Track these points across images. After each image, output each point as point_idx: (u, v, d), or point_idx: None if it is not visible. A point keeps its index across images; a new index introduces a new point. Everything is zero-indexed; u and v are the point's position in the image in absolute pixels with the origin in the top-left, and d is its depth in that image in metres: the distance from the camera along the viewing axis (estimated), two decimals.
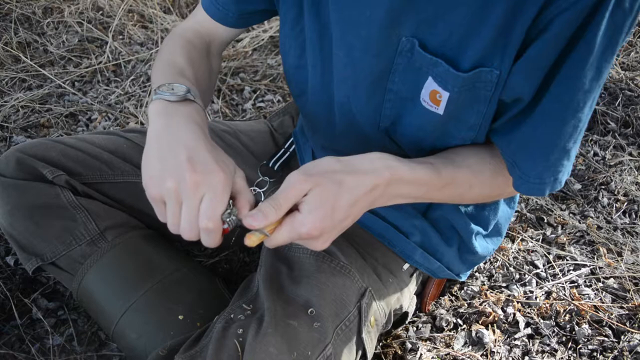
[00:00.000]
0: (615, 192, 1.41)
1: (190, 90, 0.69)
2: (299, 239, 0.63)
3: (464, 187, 0.74)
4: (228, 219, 0.61)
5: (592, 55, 0.59)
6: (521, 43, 0.60)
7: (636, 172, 1.46)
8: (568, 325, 1.08)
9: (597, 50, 0.59)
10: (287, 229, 0.62)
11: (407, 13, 0.64)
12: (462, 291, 1.15)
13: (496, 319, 1.08)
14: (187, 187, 0.59)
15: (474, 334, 1.05)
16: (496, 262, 1.22)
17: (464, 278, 1.01)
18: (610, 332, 1.06)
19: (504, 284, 1.17)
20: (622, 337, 1.05)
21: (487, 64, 0.63)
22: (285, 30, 0.79)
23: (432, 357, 1.01)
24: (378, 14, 0.65)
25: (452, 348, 1.03)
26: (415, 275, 0.95)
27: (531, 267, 1.21)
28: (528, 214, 1.34)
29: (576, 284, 1.17)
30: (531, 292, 1.15)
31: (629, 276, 1.17)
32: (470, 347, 1.04)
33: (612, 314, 1.09)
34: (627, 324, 1.07)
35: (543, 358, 1.03)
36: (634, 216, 1.35)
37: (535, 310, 1.11)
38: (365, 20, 0.67)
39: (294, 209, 0.63)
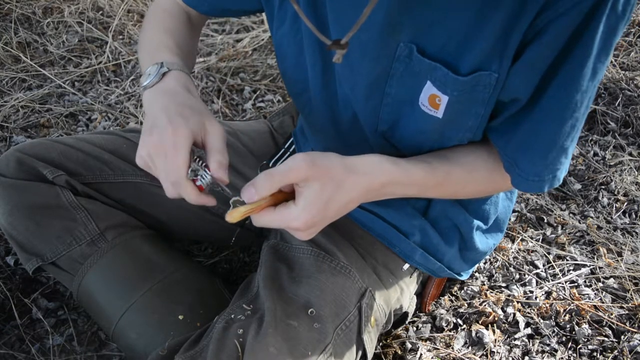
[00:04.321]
0: (615, 192, 1.41)
1: (163, 63, 0.74)
2: (288, 229, 0.65)
3: (458, 185, 0.75)
4: (200, 176, 0.65)
5: (590, 58, 0.60)
6: (518, 45, 0.61)
7: (636, 172, 1.46)
8: (568, 325, 1.08)
9: (594, 52, 0.60)
10: (279, 217, 0.63)
11: (404, 19, 0.64)
12: (462, 291, 1.15)
13: (496, 319, 1.08)
14: (152, 149, 0.65)
15: (474, 334, 1.05)
16: (496, 262, 1.22)
17: (465, 277, 1.01)
18: (610, 332, 1.06)
19: (504, 284, 1.17)
20: (622, 337, 1.05)
21: (486, 67, 0.63)
22: (284, 28, 0.79)
23: (432, 357, 1.01)
24: (375, 20, 0.65)
25: (452, 348, 1.03)
26: (415, 275, 0.95)
27: (531, 267, 1.21)
28: (528, 214, 1.34)
29: (576, 284, 1.17)
30: (531, 292, 1.15)
31: (629, 276, 1.17)
32: (470, 347, 1.04)
33: (612, 314, 1.09)
34: (627, 324, 1.07)
35: (543, 358, 1.03)
36: (634, 216, 1.35)
37: (535, 310, 1.11)
38: (362, 26, 0.67)
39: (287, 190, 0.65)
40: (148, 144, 0.66)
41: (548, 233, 1.29)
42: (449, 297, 1.14)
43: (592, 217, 1.34)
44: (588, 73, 0.62)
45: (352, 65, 0.72)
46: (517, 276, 1.18)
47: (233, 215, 0.62)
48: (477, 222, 0.92)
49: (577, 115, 0.66)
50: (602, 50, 0.60)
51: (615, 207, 1.37)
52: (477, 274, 1.19)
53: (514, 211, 1.35)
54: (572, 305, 1.11)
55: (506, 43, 0.60)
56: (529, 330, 1.07)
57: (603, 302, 1.12)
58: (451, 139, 0.74)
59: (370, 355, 0.84)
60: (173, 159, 0.64)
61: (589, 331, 1.06)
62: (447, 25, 0.62)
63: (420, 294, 1.07)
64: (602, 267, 1.20)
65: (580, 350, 1.04)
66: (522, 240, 1.27)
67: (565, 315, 1.09)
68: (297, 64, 0.80)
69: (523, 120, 0.68)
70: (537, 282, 1.17)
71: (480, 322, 1.08)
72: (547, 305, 1.11)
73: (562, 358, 1.02)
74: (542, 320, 1.08)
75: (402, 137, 0.77)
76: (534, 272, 1.19)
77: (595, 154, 1.53)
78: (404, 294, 0.93)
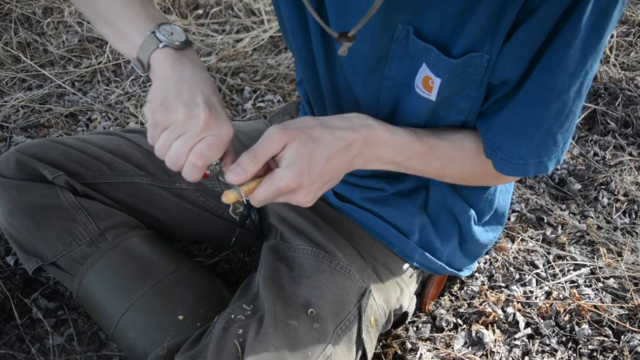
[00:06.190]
0: (615, 192, 1.41)
1: (187, 34, 0.72)
2: (279, 194, 0.65)
3: (444, 159, 0.75)
4: (214, 165, 0.67)
5: (577, 39, 0.60)
6: (510, 26, 0.61)
7: (636, 172, 1.46)
8: (568, 325, 1.08)
9: (581, 34, 0.59)
10: (267, 183, 0.64)
11: (401, 1, 0.64)
12: (462, 291, 1.15)
13: (496, 319, 1.08)
14: (198, 124, 0.63)
15: (474, 334, 1.05)
16: (496, 262, 1.22)
17: (466, 273, 1.01)
18: (610, 332, 1.06)
19: (504, 284, 1.17)
20: (622, 337, 1.05)
21: (478, 48, 0.63)
22: (288, 12, 0.78)
23: (432, 357, 1.01)
24: (374, 3, 0.65)
25: (452, 348, 1.03)
26: (415, 275, 0.95)
27: (531, 267, 1.21)
28: (528, 214, 1.34)
29: (576, 284, 1.17)
30: (531, 292, 1.15)
31: (629, 276, 1.17)
32: (470, 347, 1.04)
33: (612, 314, 1.09)
34: (627, 324, 1.07)
35: (543, 358, 1.03)
36: (634, 216, 1.35)
37: (535, 310, 1.11)
38: (362, 9, 0.66)
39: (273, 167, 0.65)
40: (200, 116, 0.63)
41: (548, 233, 1.29)
42: (449, 297, 1.14)
43: (592, 217, 1.34)
44: (575, 55, 0.61)
45: (352, 48, 0.72)
46: (517, 276, 1.18)
47: (229, 197, 0.64)
48: (474, 213, 0.91)
49: (566, 99, 0.65)
50: (592, 33, 0.59)
51: (615, 207, 1.37)
52: (477, 274, 1.19)
53: (514, 211, 1.35)
54: (572, 305, 1.11)
55: (498, 24, 0.60)
56: (529, 330, 1.07)
57: (603, 302, 1.12)
58: (444, 119, 0.75)
59: (370, 355, 0.84)
60: (217, 149, 0.64)
61: (589, 331, 1.06)
62: (443, 7, 0.62)
63: (420, 294, 1.07)
64: (602, 267, 1.20)
65: (580, 350, 1.04)
66: (522, 240, 1.27)
67: (565, 315, 1.09)
68: (302, 48, 0.79)
69: (506, 103, 0.68)
70: (537, 282, 1.17)
71: (480, 322, 1.08)
72: (547, 305, 1.11)
73: (562, 358, 1.02)
74: (542, 320, 1.08)
75: (400, 123, 0.77)
76: (534, 272, 1.19)
77: (595, 154, 1.53)
78: (403, 293, 0.93)
